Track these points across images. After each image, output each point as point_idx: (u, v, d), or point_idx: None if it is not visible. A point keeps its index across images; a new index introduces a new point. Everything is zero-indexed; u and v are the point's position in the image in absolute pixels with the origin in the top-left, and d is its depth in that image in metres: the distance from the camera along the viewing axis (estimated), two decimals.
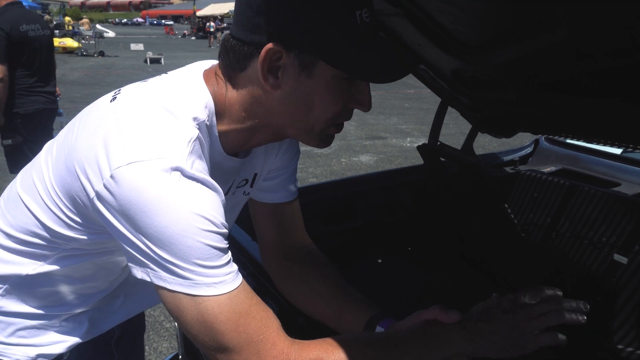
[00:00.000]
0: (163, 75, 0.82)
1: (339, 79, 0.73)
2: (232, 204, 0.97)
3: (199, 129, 0.73)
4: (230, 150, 0.83)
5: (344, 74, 0.72)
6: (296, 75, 0.72)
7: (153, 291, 1.00)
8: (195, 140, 0.71)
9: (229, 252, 0.71)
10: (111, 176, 0.65)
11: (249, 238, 1.29)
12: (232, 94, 0.78)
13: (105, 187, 0.66)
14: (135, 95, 0.76)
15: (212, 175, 0.72)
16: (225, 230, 0.69)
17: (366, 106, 0.78)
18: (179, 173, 0.65)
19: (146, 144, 0.66)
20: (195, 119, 0.73)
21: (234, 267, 0.70)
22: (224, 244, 0.69)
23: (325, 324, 0.95)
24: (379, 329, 0.87)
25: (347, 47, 0.70)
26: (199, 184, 0.68)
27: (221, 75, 0.79)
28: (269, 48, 0.70)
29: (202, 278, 0.66)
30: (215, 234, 0.67)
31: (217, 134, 0.79)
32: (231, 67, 0.77)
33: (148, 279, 0.68)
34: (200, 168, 0.70)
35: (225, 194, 0.94)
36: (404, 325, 0.85)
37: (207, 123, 0.76)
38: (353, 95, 0.76)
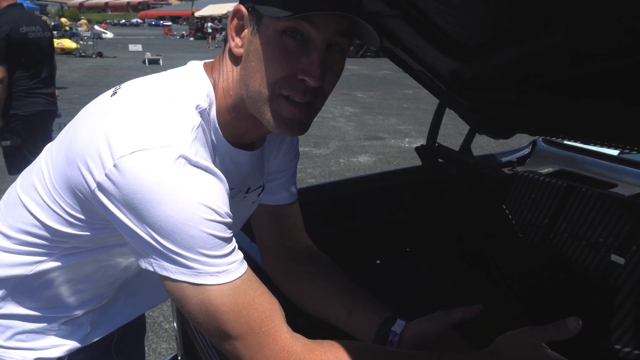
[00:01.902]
0: (163, 72, 0.83)
1: (281, 36, 0.70)
2: (244, 206, 0.97)
3: (201, 116, 0.73)
4: (231, 139, 0.82)
5: (284, 28, 0.69)
6: (250, 35, 0.74)
7: (153, 293, 0.99)
8: (198, 127, 0.71)
9: (233, 241, 0.71)
10: (114, 165, 0.65)
11: (248, 239, 1.30)
12: (222, 72, 0.80)
13: (107, 176, 0.65)
14: (136, 88, 0.76)
15: (225, 171, 0.72)
16: (229, 220, 0.69)
17: (312, 77, 0.71)
18: (183, 161, 0.66)
19: (149, 133, 0.66)
20: (197, 106, 0.74)
21: (238, 255, 0.70)
22: (227, 233, 0.69)
23: (333, 322, 0.94)
24: (396, 326, 0.87)
25: None
26: (203, 172, 0.68)
27: (220, 59, 0.81)
28: (237, 8, 0.75)
29: (206, 267, 0.66)
30: (218, 224, 0.67)
31: (216, 121, 0.79)
32: (225, 43, 0.80)
33: (151, 269, 0.68)
34: (204, 155, 0.71)
35: (246, 192, 0.94)
36: (424, 325, 0.85)
37: (209, 111, 0.77)
38: (301, 64, 0.71)
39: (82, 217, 0.76)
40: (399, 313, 0.90)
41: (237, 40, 0.76)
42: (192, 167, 0.66)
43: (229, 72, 0.79)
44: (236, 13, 0.76)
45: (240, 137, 0.84)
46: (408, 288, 1.69)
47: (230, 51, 0.78)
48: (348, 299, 0.93)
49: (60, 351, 0.91)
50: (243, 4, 0.75)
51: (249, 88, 0.75)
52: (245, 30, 0.75)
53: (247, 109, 0.78)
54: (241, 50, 0.75)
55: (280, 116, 0.74)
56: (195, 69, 0.80)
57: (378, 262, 1.83)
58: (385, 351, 0.80)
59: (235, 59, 0.77)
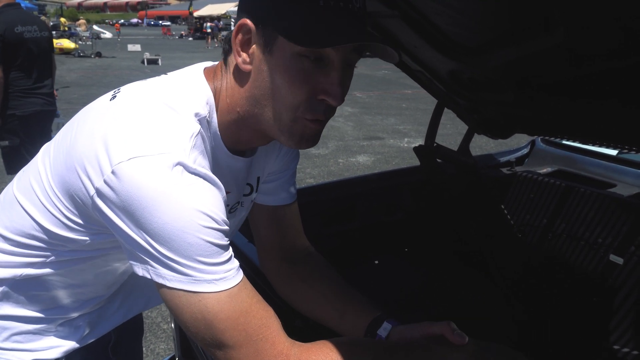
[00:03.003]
0: (163, 75, 0.82)
1: (299, 58, 0.69)
2: (240, 215, 0.97)
3: (200, 124, 0.73)
4: (231, 147, 0.82)
5: (302, 51, 0.68)
6: (261, 53, 0.72)
7: (150, 293, 0.99)
8: (197, 135, 0.71)
9: (230, 249, 0.70)
10: (112, 172, 0.64)
11: (246, 240, 1.29)
12: (224, 84, 0.79)
13: (105, 183, 0.65)
14: (135, 92, 0.76)
15: (222, 178, 0.72)
16: (226, 227, 0.69)
17: (333, 98, 0.71)
18: (181, 168, 0.65)
19: (147, 139, 0.66)
20: (196, 114, 0.73)
21: (234, 263, 0.70)
22: (224, 240, 0.69)
23: (327, 324, 0.94)
24: (382, 330, 0.87)
25: (300, 20, 0.67)
26: (201, 180, 0.67)
27: (221, 68, 0.80)
28: (242, 23, 0.72)
29: (203, 275, 0.66)
30: (216, 231, 0.67)
31: (217, 129, 0.78)
32: (225, 54, 0.78)
33: (148, 276, 0.68)
34: (202, 163, 0.70)
35: (238, 203, 0.93)
36: (409, 332, 0.84)
37: (208, 119, 0.76)
38: (320, 84, 0.71)
39: (80, 221, 0.76)
40: (398, 313, 0.90)
41: (244, 55, 0.73)
42: (189, 174, 0.66)
43: (234, 87, 0.77)
44: (241, 28, 0.73)
45: (240, 146, 0.84)
46: (407, 288, 1.69)
47: (236, 67, 0.76)
48: (340, 302, 0.93)
49: (57, 352, 0.91)
50: (251, 20, 0.72)
51: (264, 109, 0.74)
52: (253, 46, 0.73)
53: (260, 125, 0.77)
54: (249, 67, 0.73)
55: (301, 135, 0.75)
56: (195, 74, 0.79)
57: (377, 262, 1.83)
58: (374, 344, 0.81)
59: (243, 75, 0.75)
